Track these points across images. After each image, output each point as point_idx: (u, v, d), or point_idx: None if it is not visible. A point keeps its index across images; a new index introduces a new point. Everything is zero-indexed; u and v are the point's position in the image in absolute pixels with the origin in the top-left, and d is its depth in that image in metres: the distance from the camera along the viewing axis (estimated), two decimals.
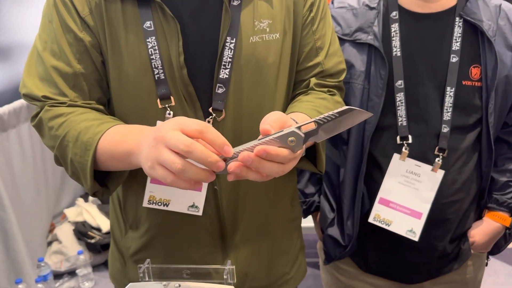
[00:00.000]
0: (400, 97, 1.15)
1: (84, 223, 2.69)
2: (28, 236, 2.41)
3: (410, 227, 1.19)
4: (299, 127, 0.69)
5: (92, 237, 2.62)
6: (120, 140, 0.80)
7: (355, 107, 1.16)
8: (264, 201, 1.00)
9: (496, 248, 1.34)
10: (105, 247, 2.62)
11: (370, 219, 1.20)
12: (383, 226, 1.20)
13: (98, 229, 2.67)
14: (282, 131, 0.69)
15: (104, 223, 2.68)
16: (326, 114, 0.69)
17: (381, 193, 1.20)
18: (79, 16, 0.86)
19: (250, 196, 0.98)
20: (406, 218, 1.19)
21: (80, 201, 2.86)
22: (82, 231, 2.64)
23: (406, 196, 1.19)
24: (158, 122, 0.88)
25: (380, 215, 1.20)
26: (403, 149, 1.17)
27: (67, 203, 2.92)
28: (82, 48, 0.87)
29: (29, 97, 0.89)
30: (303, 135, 0.69)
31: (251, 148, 0.68)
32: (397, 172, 1.18)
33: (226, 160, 0.69)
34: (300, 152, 0.73)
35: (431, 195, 1.18)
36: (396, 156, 1.17)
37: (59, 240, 2.66)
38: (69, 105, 0.87)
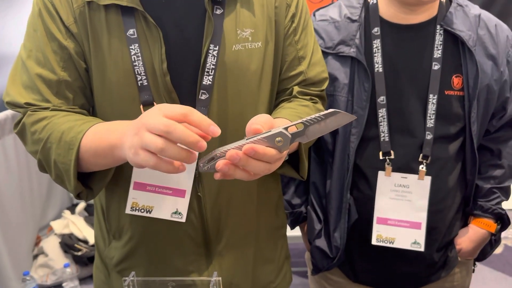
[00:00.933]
0: (382, 112, 1.16)
1: (70, 236, 2.65)
2: (13, 250, 2.38)
3: (413, 239, 1.19)
4: (286, 128, 0.71)
5: (79, 250, 2.59)
6: (102, 136, 0.81)
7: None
8: (248, 208, 1.01)
9: (482, 254, 1.35)
10: (92, 259, 2.56)
11: (373, 242, 1.20)
12: (388, 245, 1.19)
13: (85, 242, 2.64)
14: (270, 131, 0.71)
15: (91, 235, 2.64)
16: (313, 116, 0.71)
17: (377, 213, 1.20)
18: (63, 25, 0.87)
19: (234, 202, 0.98)
20: (407, 231, 1.19)
21: (67, 213, 2.83)
22: (68, 244, 2.61)
23: (401, 210, 1.19)
24: None
25: (382, 235, 1.20)
26: (386, 165, 1.17)
27: (53, 216, 2.88)
28: (66, 56, 0.88)
29: (12, 105, 0.90)
30: (290, 136, 0.71)
31: (239, 147, 0.70)
32: (386, 188, 1.18)
33: (213, 159, 0.71)
34: (286, 152, 0.74)
35: (424, 203, 1.18)
36: (381, 173, 1.18)
37: (45, 253, 2.62)
38: (52, 110, 0.88)
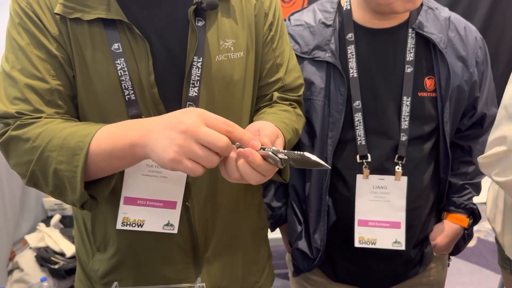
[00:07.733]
0: (358, 117, 1.18)
1: (46, 249, 2.59)
2: None
3: (394, 238, 1.22)
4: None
5: (56, 263, 2.53)
6: (118, 135, 0.78)
7: (316, 122, 1.18)
8: (234, 213, 1.02)
9: (456, 248, 1.39)
10: (69, 272, 2.53)
11: (356, 244, 1.22)
12: (370, 246, 1.22)
13: (62, 254, 2.58)
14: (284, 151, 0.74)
15: (67, 248, 2.59)
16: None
17: (357, 215, 1.22)
18: (50, 35, 0.84)
19: (221, 210, 0.99)
20: (388, 231, 1.22)
21: (42, 226, 2.76)
22: (44, 257, 2.55)
23: (380, 211, 1.22)
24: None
25: (364, 236, 1.22)
26: (364, 168, 1.20)
27: (27, 229, 2.80)
28: (57, 64, 0.85)
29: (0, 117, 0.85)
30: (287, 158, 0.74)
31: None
32: (365, 191, 1.21)
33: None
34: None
35: (402, 202, 1.21)
36: (359, 176, 1.20)
37: (20, 268, 2.55)
38: (46, 118, 0.84)
